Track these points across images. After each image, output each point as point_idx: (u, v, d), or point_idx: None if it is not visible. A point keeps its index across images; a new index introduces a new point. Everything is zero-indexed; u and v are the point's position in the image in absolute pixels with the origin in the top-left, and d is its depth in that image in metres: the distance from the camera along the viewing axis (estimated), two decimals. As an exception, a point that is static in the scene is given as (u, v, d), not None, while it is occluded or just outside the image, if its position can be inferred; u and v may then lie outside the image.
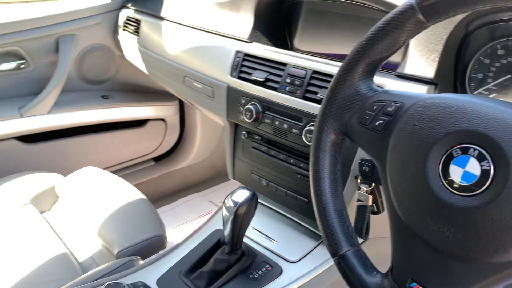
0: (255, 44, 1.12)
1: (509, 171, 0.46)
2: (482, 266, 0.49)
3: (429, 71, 0.77)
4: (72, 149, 1.78)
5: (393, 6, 0.80)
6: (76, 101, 1.72)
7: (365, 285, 0.59)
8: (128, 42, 1.67)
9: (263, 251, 1.00)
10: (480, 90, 0.78)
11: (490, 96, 0.77)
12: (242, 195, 0.87)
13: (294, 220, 1.09)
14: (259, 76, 1.03)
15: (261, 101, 1.03)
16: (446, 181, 0.50)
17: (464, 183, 0.49)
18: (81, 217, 1.26)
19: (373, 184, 0.79)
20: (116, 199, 1.26)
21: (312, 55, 1.00)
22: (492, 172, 0.47)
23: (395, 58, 0.88)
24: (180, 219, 2.00)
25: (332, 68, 0.92)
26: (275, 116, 1.01)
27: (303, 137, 0.94)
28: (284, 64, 1.00)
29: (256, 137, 1.12)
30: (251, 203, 0.87)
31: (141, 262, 1.07)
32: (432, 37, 0.77)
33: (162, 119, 2.02)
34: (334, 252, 0.62)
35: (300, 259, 0.97)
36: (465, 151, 0.49)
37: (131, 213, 1.23)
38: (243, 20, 1.16)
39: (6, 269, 1.06)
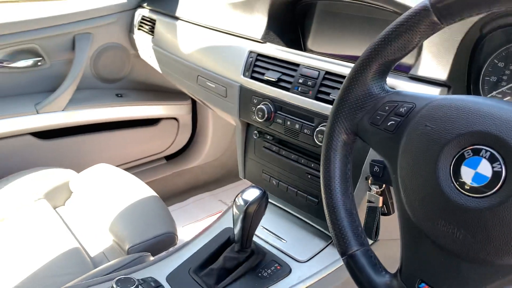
0: (268, 44, 1.13)
1: None
2: (491, 268, 0.49)
3: (442, 74, 0.77)
4: (85, 146, 1.80)
5: (407, 8, 0.80)
6: (90, 98, 1.75)
7: (373, 285, 0.59)
8: (143, 41, 1.69)
9: (273, 250, 1.00)
10: (494, 93, 0.78)
11: (504, 99, 0.77)
12: (253, 193, 0.88)
13: (304, 220, 1.10)
14: (271, 76, 1.03)
15: (273, 101, 1.04)
16: (457, 182, 0.50)
17: (475, 185, 0.49)
18: (93, 212, 1.28)
19: (384, 186, 0.79)
20: (128, 196, 1.28)
21: (325, 56, 1.00)
22: (503, 174, 0.47)
23: (408, 60, 0.88)
24: (190, 217, 2.01)
25: (345, 69, 0.92)
26: (287, 116, 1.01)
27: (314, 137, 0.94)
28: (297, 65, 1.01)
29: (268, 137, 1.12)
30: (261, 202, 0.87)
31: (152, 258, 1.08)
32: (446, 39, 0.76)
33: (175, 118, 2.04)
34: (343, 251, 0.62)
35: (309, 259, 0.97)
36: (476, 152, 0.49)
37: (142, 210, 1.24)
38: (257, 21, 1.16)
39: (19, 262, 1.08)
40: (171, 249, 1.07)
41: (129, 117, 1.85)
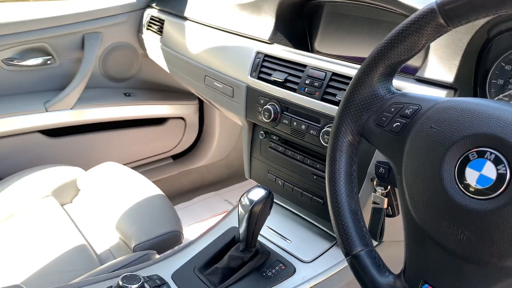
0: (275, 45, 1.13)
1: None
2: (495, 270, 0.49)
3: (449, 76, 0.77)
4: (93, 144, 1.82)
5: (414, 10, 0.80)
6: (99, 97, 1.76)
7: (377, 285, 0.60)
8: (151, 41, 1.70)
9: (277, 250, 1.00)
10: (501, 96, 0.78)
11: (511, 102, 0.76)
12: (258, 193, 0.88)
13: (309, 221, 1.10)
14: (278, 77, 1.04)
15: (280, 101, 1.04)
16: (462, 184, 0.50)
17: (480, 187, 0.49)
18: (100, 210, 1.29)
19: (389, 187, 0.80)
20: (135, 194, 1.29)
21: (332, 58, 1.00)
22: (508, 176, 0.47)
23: (415, 62, 0.88)
24: (196, 216, 2.02)
25: (352, 70, 0.92)
26: (293, 117, 1.02)
27: (320, 138, 0.95)
28: (304, 66, 1.01)
29: (274, 137, 1.13)
30: (267, 202, 0.88)
31: (157, 256, 1.09)
32: (453, 42, 0.77)
33: (182, 118, 2.05)
34: (347, 251, 0.63)
35: (314, 260, 0.98)
36: (481, 154, 0.49)
37: (148, 208, 1.25)
38: (265, 21, 1.17)
39: (27, 258, 1.09)
40: (176, 247, 1.07)
41: (136, 116, 1.87)
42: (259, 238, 0.98)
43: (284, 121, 1.04)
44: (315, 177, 1.03)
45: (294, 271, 0.95)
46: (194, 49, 1.40)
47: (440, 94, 0.78)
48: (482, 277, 0.50)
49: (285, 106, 1.04)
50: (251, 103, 1.13)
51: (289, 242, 1.03)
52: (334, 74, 0.95)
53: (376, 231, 0.82)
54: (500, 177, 0.48)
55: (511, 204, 0.47)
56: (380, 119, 0.61)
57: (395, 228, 0.80)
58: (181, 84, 1.76)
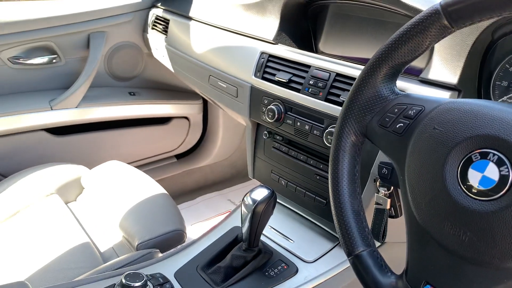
0: (280, 45, 1.14)
1: None
2: (496, 271, 0.49)
3: (453, 77, 0.77)
4: (98, 142, 1.83)
5: (418, 11, 0.80)
6: (104, 96, 1.77)
7: (379, 286, 0.60)
8: (156, 40, 1.71)
9: (280, 250, 1.01)
10: (505, 98, 0.78)
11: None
12: (261, 193, 0.88)
13: (311, 221, 1.10)
14: (282, 77, 1.04)
15: (284, 101, 1.05)
16: (464, 186, 0.50)
17: (482, 188, 0.49)
18: (104, 208, 1.30)
19: (392, 188, 0.80)
20: (138, 193, 1.30)
21: (336, 58, 1.01)
22: (511, 177, 0.47)
23: (419, 63, 0.88)
24: (199, 216, 2.03)
25: (356, 71, 0.92)
26: (296, 117, 1.02)
27: (323, 138, 0.95)
28: (308, 66, 1.01)
29: (277, 137, 1.13)
30: (270, 202, 0.88)
31: (160, 254, 1.09)
32: (457, 43, 0.77)
33: (186, 117, 2.06)
34: (350, 251, 0.63)
35: (316, 260, 0.98)
36: (484, 156, 0.49)
37: (152, 207, 1.26)
38: (269, 22, 1.17)
39: (31, 255, 1.10)
40: (179, 246, 1.08)
41: (141, 115, 1.88)
42: (262, 237, 0.98)
43: (287, 121, 1.04)
44: (318, 177, 1.03)
45: (297, 271, 0.95)
46: (198, 49, 1.41)
47: (444, 95, 0.78)
48: (483, 278, 0.50)
49: (289, 106, 1.04)
50: (255, 103, 1.13)
51: (292, 242, 1.04)
52: (338, 74, 0.95)
53: (379, 232, 0.82)
54: (503, 178, 0.48)
55: (513, 206, 0.47)
56: (384, 120, 0.62)
57: (397, 229, 0.81)
58: (185, 83, 1.77)
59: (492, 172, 0.49)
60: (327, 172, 0.72)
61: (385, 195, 0.80)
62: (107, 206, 1.29)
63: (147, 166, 2.04)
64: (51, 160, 1.57)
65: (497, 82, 0.78)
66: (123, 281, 0.80)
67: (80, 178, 1.42)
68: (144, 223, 1.19)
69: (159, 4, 1.73)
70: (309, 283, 0.93)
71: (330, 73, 0.96)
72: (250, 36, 1.22)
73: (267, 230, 1.06)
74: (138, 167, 1.64)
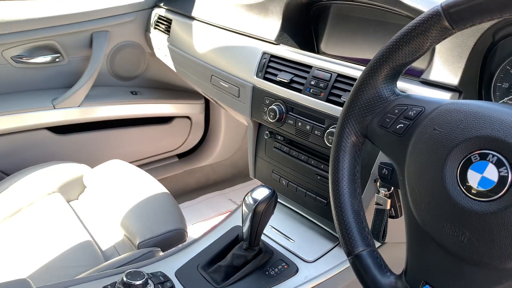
0: (281, 46, 1.14)
1: None
2: (495, 272, 0.49)
3: (454, 79, 0.78)
4: (100, 141, 1.83)
5: (420, 12, 0.80)
6: (106, 95, 1.78)
7: (378, 285, 0.60)
8: (158, 40, 1.71)
9: (280, 250, 1.01)
10: (506, 99, 0.78)
11: (515, 106, 0.77)
12: (262, 193, 0.89)
13: (312, 221, 1.11)
14: (284, 77, 1.05)
15: (285, 102, 1.05)
16: (464, 186, 0.51)
17: (481, 189, 0.49)
18: (105, 207, 1.30)
19: (392, 188, 0.80)
20: (140, 192, 1.30)
21: (338, 59, 1.01)
22: (510, 178, 0.48)
23: (420, 64, 0.88)
24: (200, 215, 2.03)
25: (357, 72, 0.93)
26: (298, 117, 1.02)
27: (324, 138, 0.95)
28: (310, 67, 1.02)
29: (279, 137, 1.14)
30: (271, 201, 0.88)
31: (161, 253, 1.10)
32: (458, 45, 0.77)
33: (188, 117, 2.06)
34: (349, 251, 0.63)
35: (317, 260, 0.98)
36: (483, 157, 0.50)
37: (153, 206, 1.26)
38: (271, 22, 1.18)
39: (33, 253, 1.11)
40: (180, 245, 1.08)
41: (143, 114, 1.88)
42: (263, 237, 0.99)
43: (289, 121, 1.04)
44: (319, 177, 1.04)
45: (297, 270, 0.96)
46: (201, 49, 1.41)
47: (444, 96, 0.79)
48: (482, 279, 0.51)
49: (290, 106, 1.04)
50: (257, 103, 1.13)
51: (292, 241, 1.04)
52: (339, 75, 0.95)
53: (379, 232, 0.83)
54: (502, 179, 0.48)
55: (512, 207, 0.47)
56: (384, 121, 0.62)
57: (397, 230, 0.81)
58: (187, 83, 1.77)
59: (491, 173, 0.49)
60: (328, 172, 0.72)
61: (385, 195, 0.80)
62: (109, 205, 1.30)
63: (149, 165, 2.05)
64: (53, 158, 1.57)
65: (498, 84, 0.78)
66: (124, 279, 0.81)
67: (82, 176, 1.42)
68: (146, 222, 1.19)
69: (161, 4, 1.74)
70: (309, 282, 0.93)
71: (331, 74, 0.96)
72: (252, 37, 1.23)
73: (267, 230, 1.06)
74: (140, 166, 1.65)
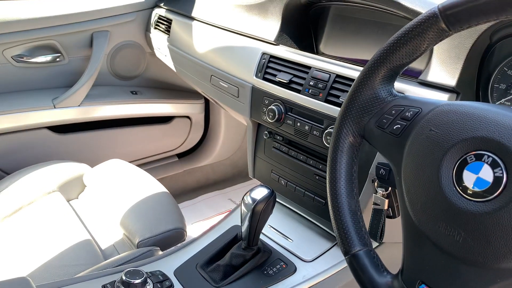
0: (281, 46, 1.14)
1: None
2: (490, 271, 0.50)
3: (451, 80, 0.78)
4: (100, 141, 1.84)
5: (417, 14, 0.81)
6: (106, 95, 1.78)
7: (375, 285, 0.61)
8: (158, 40, 1.72)
9: (279, 249, 1.01)
10: (503, 100, 0.78)
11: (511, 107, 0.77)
12: (261, 192, 0.89)
13: (310, 221, 1.11)
14: (283, 78, 1.05)
15: (284, 102, 1.06)
16: (459, 187, 0.51)
17: (477, 189, 0.50)
18: (105, 206, 1.31)
19: (390, 189, 0.80)
20: (140, 192, 1.31)
21: (337, 60, 1.01)
22: (504, 179, 0.48)
23: (418, 65, 0.89)
24: (199, 215, 2.04)
25: (356, 73, 0.93)
26: (297, 118, 1.03)
27: (323, 139, 0.96)
28: (309, 67, 1.02)
29: (278, 137, 1.14)
30: (269, 201, 0.89)
31: (160, 252, 1.10)
32: (455, 46, 0.77)
33: (188, 117, 2.07)
34: (347, 250, 0.64)
35: (315, 259, 0.99)
36: (479, 157, 0.50)
37: (153, 205, 1.27)
38: (271, 23, 1.18)
39: (33, 252, 1.11)
40: (179, 244, 1.09)
41: (143, 114, 1.89)
42: (261, 236, 0.99)
43: (288, 121, 1.05)
44: (317, 177, 1.04)
45: (295, 270, 0.96)
46: (200, 49, 1.42)
47: (442, 97, 0.79)
48: (478, 278, 0.51)
49: (289, 106, 1.05)
50: (256, 103, 1.14)
51: (291, 241, 1.04)
52: (338, 76, 0.96)
53: (377, 232, 0.83)
54: (497, 180, 0.49)
55: (507, 207, 0.47)
56: (381, 121, 0.62)
57: (395, 230, 0.81)
58: (187, 83, 1.78)
59: (487, 173, 0.49)
60: (326, 172, 0.73)
61: (383, 195, 0.80)
62: (109, 204, 1.30)
63: (149, 164, 2.05)
64: (53, 158, 1.58)
65: (495, 85, 0.79)
66: (124, 278, 0.81)
67: (82, 176, 1.43)
68: (145, 221, 1.20)
69: (162, 4, 1.74)
70: (307, 282, 0.93)
71: (330, 74, 0.97)
72: (252, 37, 1.23)
73: (266, 229, 1.07)
74: (139, 165, 1.65)
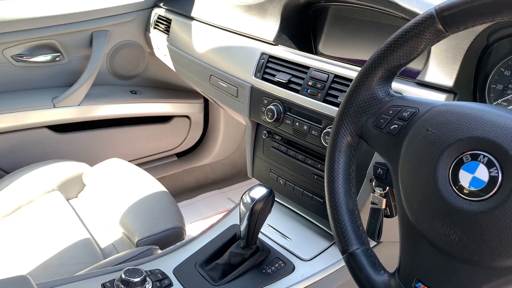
0: (280, 46, 1.15)
1: None
2: (486, 270, 0.51)
3: (449, 80, 0.79)
4: (99, 140, 1.84)
5: (415, 14, 0.81)
6: (106, 94, 1.78)
7: (372, 283, 0.61)
8: (158, 40, 1.72)
9: (277, 248, 1.02)
10: (500, 101, 0.79)
11: (510, 107, 0.78)
12: (260, 192, 0.90)
13: (309, 220, 1.12)
14: (282, 78, 1.06)
15: (283, 102, 1.06)
16: (455, 186, 0.52)
17: (472, 189, 0.50)
18: (105, 205, 1.31)
19: (387, 188, 0.81)
20: (139, 191, 1.31)
21: (335, 60, 1.02)
22: (500, 179, 0.49)
23: (415, 65, 0.89)
24: (198, 214, 2.04)
25: (354, 73, 0.93)
26: (295, 117, 1.03)
27: (321, 139, 0.96)
28: (307, 67, 1.03)
29: (276, 137, 1.15)
30: (268, 200, 0.89)
31: (159, 251, 1.11)
32: (453, 47, 0.78)
33: (187, 116, 2.07)
34: (344, 249, 0.64)
35: (313, 258, 0.99)
36: (475, 157, 0.51)
37: (152, 204, 1.27)
38: (270, 23, 1.19)
39: (33, 251, 1.12)
40: (178, 243, 1.09)
41: (142, 113, 1.89)
42: (260, 235, 1.00)
43: (286, 121, 1.05)
44: (316, 177, 1.05)
45: (293, 268, 0.97)
46: (200, 49, 1.42)
47: (439, 98, 0.80)
48: (473, 277, 0.52)
49: (288, 106, 1.05)
50: (255, 103, 1.14)
51: (289, 240, 1.05)
52: (336, 76, 0.96)
53: (374, 231, 0.84)
54: (492, 179, 0.49)
55: (502, 206, 0.48)
56: (378, 121, 0.63)
57: (393, 229, 0.82)
58: (186, 83, 1.78)
59: (482, 173, 0.50)
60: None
61: (380, 195, 0.81)
62: (108, 203, 1.31)
63: (148, 164, 2.06)
64: (53, 157, 1.58)
65: (492, 85, 0.79)
66: (123, 276, 0.82)
67: (82, 175, 1.43)
68: (144, 220, 1.20)
69: (161, 4, 1.75)
70: (306, 281, 0.94)
71: (328, 75, 0.97)
72: (251, 37, 1.24)
73: (265, 228, 1.07)
74: (139, 165, 1.65)
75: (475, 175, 0.51)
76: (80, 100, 1.68)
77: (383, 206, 0.81)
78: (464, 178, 0.51)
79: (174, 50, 1.60)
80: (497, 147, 0.49)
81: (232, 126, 2.13)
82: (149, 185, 1.35)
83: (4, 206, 1.27)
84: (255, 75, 1.14)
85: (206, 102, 2.09)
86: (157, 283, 0.87)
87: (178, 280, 0.92)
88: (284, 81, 1.05)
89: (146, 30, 1.81)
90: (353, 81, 0.66)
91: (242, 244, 0.95)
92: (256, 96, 1.14)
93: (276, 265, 0.97)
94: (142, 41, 1.84)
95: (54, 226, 1.20)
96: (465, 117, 0.53)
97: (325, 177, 0.68)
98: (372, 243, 0.97)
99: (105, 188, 1.36)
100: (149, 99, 1.88)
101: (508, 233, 0.48)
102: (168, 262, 0.98)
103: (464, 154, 0.52)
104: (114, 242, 1.20)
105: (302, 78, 1.03)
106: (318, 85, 0.98)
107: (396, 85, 0.84)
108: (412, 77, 0.87)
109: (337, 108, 0.93)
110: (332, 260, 0.98)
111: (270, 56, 1.12)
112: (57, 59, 1.67)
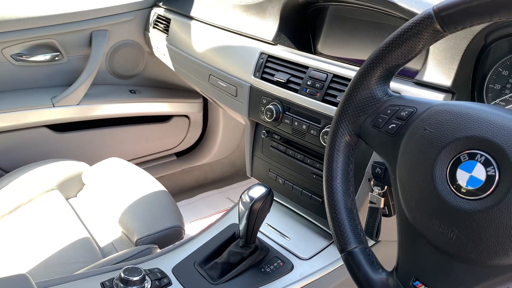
0: (279, 46, 1.15)
1: None
2: (483, 268, 0.51)
3: (447, 80, 0.79)
4: (98, 139, 1.84)
5: (413, 14, 0.82)
6: (105, 94, 1.78)
7: (370, 282, 0.62)
8: (157, 39, 1.72)
9: (276, 247, 1.02)
10: (498, 100, 0.79)
11: (508, 107, 0.78)
12: (259, 191, 0.90)
13: (307, 219, 1.12)
14: (281, 77, 1.06)
15: (282, 101, 1.06)
16: (453, 185, 0.52)
17: (470, 188, 0.51)
18: (104, 205, 1.32)
19: (386, 187, 0.81)
20: (138, 190, 1.31)
21: (334, 60, 1.02)
22: (497, 178, 0.49)
23: (414, 65, 0.90)
24: (198, 213, 2.04)
25: (352, 72, 0.94)
26: (294, 117, 1.04)
27: (320, 138, 0.96)
28: (306, 67, 1.03)
29: (275, 136, 1.15)
30: (267, 199, 0.90)
31: (158, 250, 1.11)
32: (451, 47, 0.78)
33: (186, 116, 2.07)
34: (342, 248, 0.65)
35: (312, 257, 1.00)
36: (472, 156, 0.51)
37: (151, 203, 1.28)
38: (269, 23, 1.19)
39: (32, 250, 1.12)
40: (177, 242, 1.09)
41: (141, 113, 1.89)
42: (259, 234, 1.00)
43: (285, 121, 1.06)
44: (314, 176, 1.05)
45: (292, 267, 0.97)
46: (199, 48, 1.42)
47: (438, 97, 0.80)
48: (470, 275, 0.52)
49: (287, 106, 1.06)
50: (254, 102, 1.15)
51: (288, 239, 1.05)
52: (335, 76, 0.96)
53: (373, 230, 0.84)
54: (489, 178, 0.49)
55: (499, 205, 0.48)
56: (377, 121, 0.63)
57: (391, 228, 0.82)
58: (186, 82, 1.78)
59: (480, 172, 0.50)
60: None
61: (379, 194, 0.81)
62: (107, 202, 1.31)
63: (147, 163, 2.06)
64: (52, 156, 1.59)
65: (490, 85, 0.79)
66: (122, 275, 0.82)
67: (81, 174, 1.43)
68: (143, 220, 1.20)
69: (160, 4, 1.75)
70: (304, 280, 0.94)
71: (327, 74, 0.98)
72: (250, 37, 1.24)
73: (263, 227, 1.08)
74: (138, 164, 1.66)
75: (472, 174, 0.51)
76: (79, 100, 1.68)
77: (381, 205, 0.82)
78: (462, 177, 0.52)
79: (173, 49, 1.60)
80: (494, 147, 0.50)
81: (231, 126, 2.13)
82: (148, 184, 1.35)
83: (3, 205, 1.27)
84: (254, 75, 1.14)
85: (205, 101, 2.10)
86: (156, 282, 0.87)
87: (177, 279, 0.92)
88: (283, 81, 1.05)
89: (145, 29, 1.81)
90: (351, 81, 0.66)
91: (241, 243, 0.96)
92: (255, 95, 1.14)
93: (275, 264, 0.97)
94: (141, 41, 1.85)
95: (53, 225, 1.20)
96: (462, 116, 0.54)
97: (323, 176, 0.68)
98: (371, 242, 0.98)
99: (104, 187, 1.36)
100: (148, 98, 1.89)
101: (505, 231, 0.48)
102: (167, 261, 0.98)
103: (462, 153, 0.52)
104: (113, 241, 1.20)
105: (301, 78, 1.03)
106: (317, 85, 0.98)
107: (394, 85, 0.84)
108: (410, 76, 0.87)
109: (335, 108, 0.94)
110: (330, 259, 0.99)
111: (269, 56, 1.13)
112: (56, 58, 1.67)
